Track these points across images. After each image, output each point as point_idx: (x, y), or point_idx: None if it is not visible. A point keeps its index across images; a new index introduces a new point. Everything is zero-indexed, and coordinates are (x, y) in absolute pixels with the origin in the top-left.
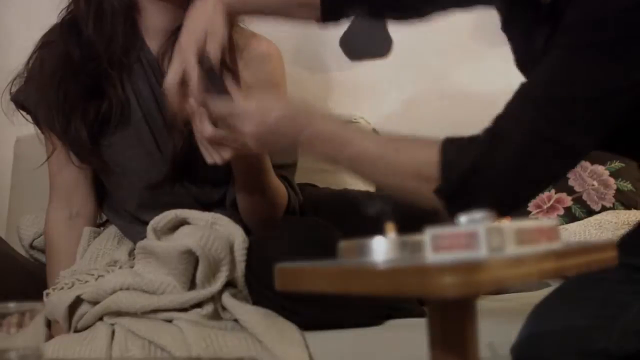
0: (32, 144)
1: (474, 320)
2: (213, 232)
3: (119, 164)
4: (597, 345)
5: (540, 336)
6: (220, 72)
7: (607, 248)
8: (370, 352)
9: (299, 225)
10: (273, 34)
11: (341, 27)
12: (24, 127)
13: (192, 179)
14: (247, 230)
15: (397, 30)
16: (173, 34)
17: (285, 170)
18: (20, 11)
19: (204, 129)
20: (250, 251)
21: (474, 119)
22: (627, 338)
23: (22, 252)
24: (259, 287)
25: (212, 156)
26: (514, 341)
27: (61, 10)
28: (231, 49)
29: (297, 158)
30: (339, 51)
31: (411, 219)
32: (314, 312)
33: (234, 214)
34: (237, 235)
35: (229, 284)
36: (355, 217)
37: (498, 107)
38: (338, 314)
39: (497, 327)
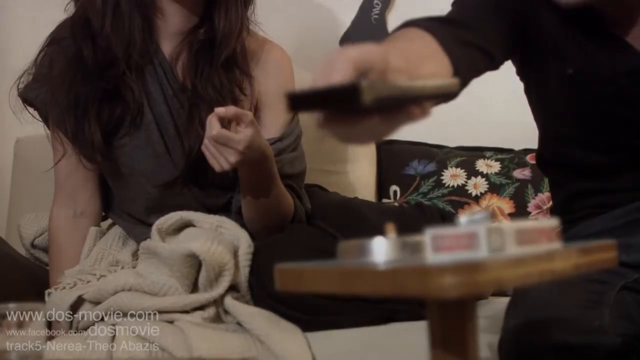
0: (32, 144)
1: (474, 320)
2: (218, 235)
3: (128, 165)
4: (592, 324)
5: (531, 325)
6: None
7: (608, 248)
8: (372, 352)
9: (304, 233)
10: (274, 33)
11: (341, 27)
12: (24, 127)
13: (199, 182)
14: (252, 235)
15: None
16: (187, 37)
17: (293, 179)
18: (22, 10)
19: (211, 128)
20: (255, 257)
21: (472, 114)
22: (618, 322)
23: (23, 252)
24: (262, 294)
25: (219, 162)
26: (500, 335)
27: (68, 3)
28: (244, 54)
29: (304, 167)
30: None
31: (418, 231)
32: (316, 320)
33: (239, 220)
34: (243, 240)
35: (232, 288)
36: (363, 227)
37: (494, 102)
38: (340, 319)
39: (497, 327)
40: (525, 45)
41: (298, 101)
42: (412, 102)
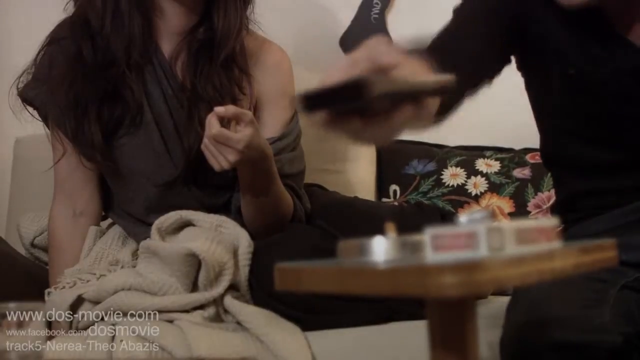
0: (32, 144)
1: (474, 320)
2: (217, 235)
3: (127, 165)
4: (593, 323)
5: (532, 324)
6: None
7: (607, 248)
8: (372, 352)
9: (304, 232)
10: (273, 33)
11: (340, 27)
12: (24, 127)
13: (198, 182)
14: (251, 235)
15: (397, 30)
16: (186, 36)
17: (293, 179)
18: (22, 10)
19: (210, 127)
20: (254, 256)
21: (472, 113)
22: (619, 321)
23: (22, 251)
24: (261, 293)
25: (219, 161)
26: (501, 334)
27: (67, 3)
28: (243, 53)
29: (304, 166)
30: (339, 51)
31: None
32: (316, 319)
33: (238, 220)
34: (243, 240)
35: (232, 288)
36: (363, 227)
37: (494, 101)
38: (339, 319)
39: (498, 327)
40: (526, 46)
41: (312, 100)
42: (416, 97)
